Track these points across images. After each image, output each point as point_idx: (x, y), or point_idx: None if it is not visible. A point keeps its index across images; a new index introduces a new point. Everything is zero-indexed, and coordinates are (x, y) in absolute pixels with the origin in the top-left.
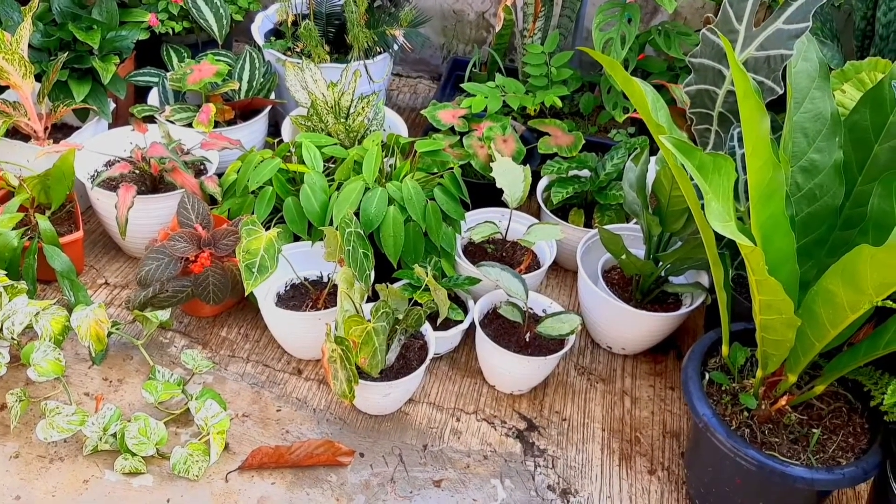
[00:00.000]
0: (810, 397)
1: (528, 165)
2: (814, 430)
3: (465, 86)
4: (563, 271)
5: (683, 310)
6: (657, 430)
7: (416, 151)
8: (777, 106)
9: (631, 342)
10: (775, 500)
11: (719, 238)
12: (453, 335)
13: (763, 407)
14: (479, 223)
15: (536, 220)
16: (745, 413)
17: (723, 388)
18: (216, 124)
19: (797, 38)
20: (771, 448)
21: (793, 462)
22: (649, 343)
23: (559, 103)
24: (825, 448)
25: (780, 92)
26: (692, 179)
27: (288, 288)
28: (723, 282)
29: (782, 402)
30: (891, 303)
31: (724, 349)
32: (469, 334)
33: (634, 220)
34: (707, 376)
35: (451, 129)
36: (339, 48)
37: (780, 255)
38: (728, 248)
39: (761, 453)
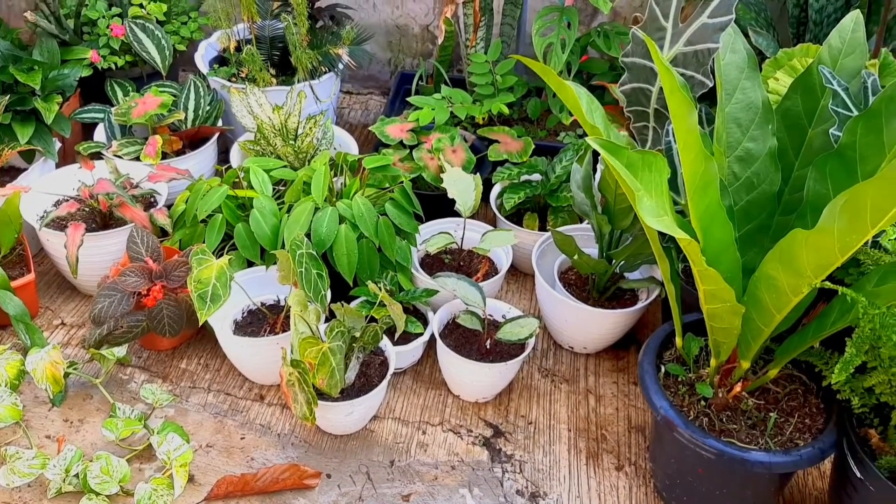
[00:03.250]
0: (765, 382)
1: (478, 174)
2: (771, 414)
3: (411, 99)
4: (522, 275)
5: (640, 305)
6: (622, 426)
7: (364, 168)
8: (711, 98)
9: (591, 341)
10: (738, 486)
11: (662, 232)
12: (414, 348)
13: (720, 395)
14: (434, 234)
15: (492, 228)
16: (703, 402)
17: (679, 380)
18: (164, 155)
19: (722, 31)
20: (730, 435)
21: (751, 447)
22: (610, 340)
23: (506, 110)
24: (783, 431)
25: (711, 85)
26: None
27: (245, 314)
28: (670, 274)
29: (737, 388)
30: (829, 283)
31: (678, 341)
32: (431, 346)
33: (586, 221)
34: (663, 369)
35: (401, 143)
36: (286, 70)
37: (719, 244)
38: (673, 242)
39: (720, 441)
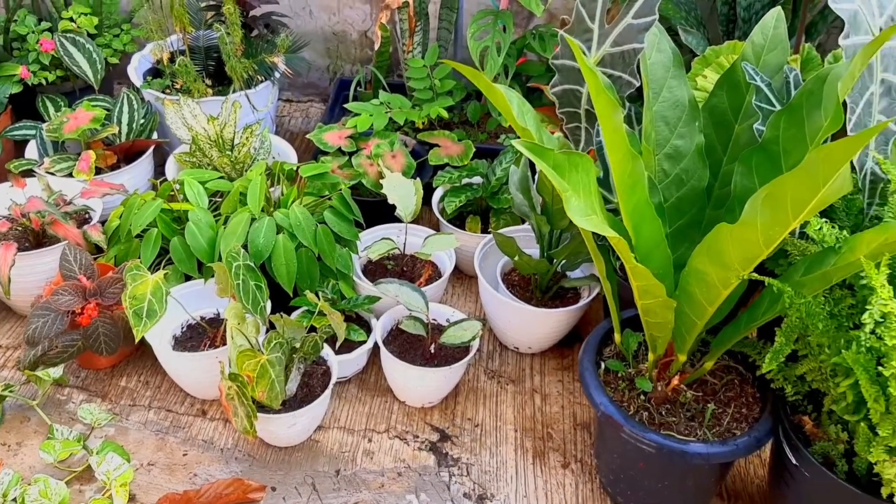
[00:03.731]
0: (703, 374)
1: (418, 178)
2: (709, 406)
3: (349, 106)
4: (467, 278)
5: (581, 303)
6: (568, 424)
7: (301, 177)
8: (641, 98)
9: (536, 340)
10: (679, 477)
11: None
12: (358, 356)
13: (659, 388)
14: (375, 241)
15: (434, 232)
16: (643, 397)
17: (619, 375)
18: (98, 171)
19: (646, 31)
20: (669, 428)
21: (690, 439)
22: (554, 339)
23: (445, 114)
24: (721, 421)
25: (638, 84)
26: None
27: (185, 329)
28: (605, 272)
29: (675, 381)
30: (756, 275)
31: (617, 337)
32: (375, 353)
33: (527, 222)
34: (603, 365)
35: (340, 150)
36: (222, 80)
37: (650, 241)
38: (608, 240)
39: (659, 435)
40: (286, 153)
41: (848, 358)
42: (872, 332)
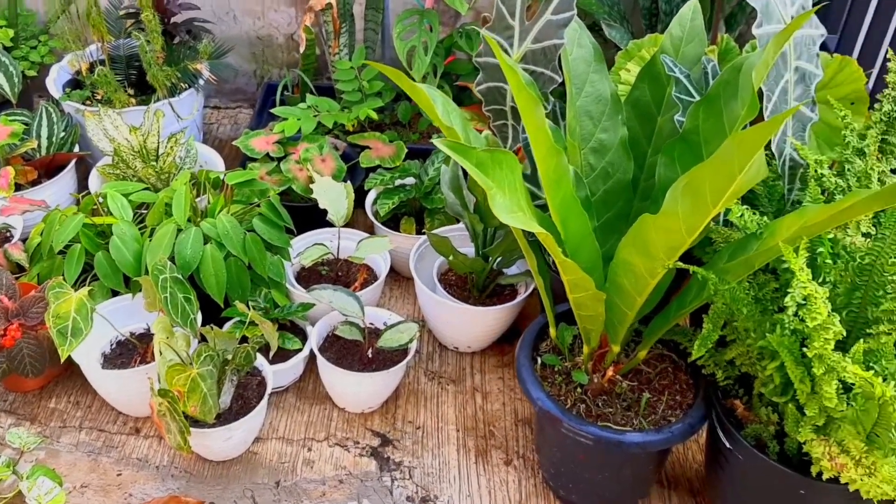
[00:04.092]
0: (637, 363)
1: (349, 182)
2: (644, 394)
3: (275, 110)
4: (404, 280)
5: (518, 299)
6: (510, 421)
7: (228, 185)
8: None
9: (475, 339)
10: (617, 467)
11: None
12: (294, 365)
13: (595, 380)
14: (308, 247)
15: (368, 235)
16: (579, 389)
17: (556, 369)
18: (19, 187)
19: (566, 26)
20: (606, 419)
21: (626, 429)
22: (493, 336)
23: (375, 116)
24: (656, 409)
25: (560, 80)
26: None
27: (114, 346)
28: (537, 268)
29: (610, 372)
30: (681, 264)
31: (552, 331)
32: (313, 361)
33: (461, 221)
34: (539, 360)
35: (268, 155)
36: (145, 90)
37: (577, 235)
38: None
39: (596, 427)
40: (213, 161)
41: (773, 341)
42: (795, 314)
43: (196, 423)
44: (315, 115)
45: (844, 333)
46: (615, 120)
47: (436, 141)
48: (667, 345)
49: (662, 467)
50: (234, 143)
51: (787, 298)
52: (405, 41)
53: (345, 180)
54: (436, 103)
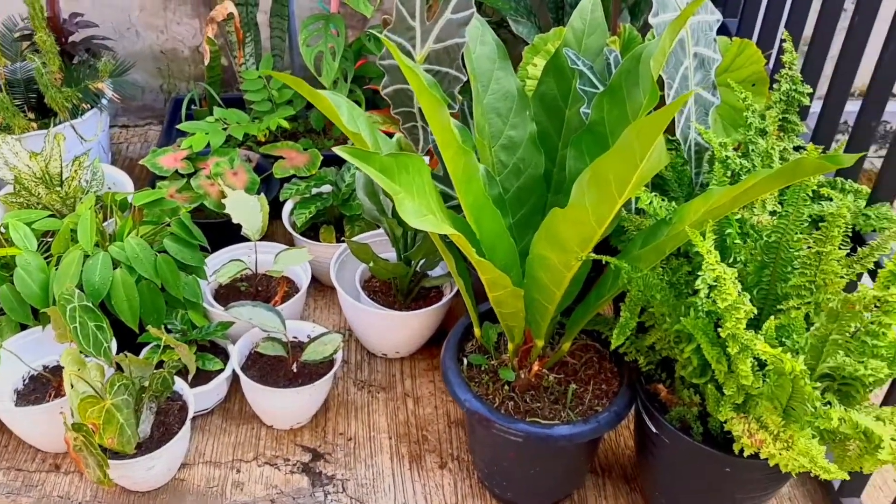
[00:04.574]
0: (562, 356)
1: (262, 194)
2: (570, 386)
3: (182, 126)
4: (328, 290)
5: (443, 300)
6: (442, 424)
7: (136, 206)
8: None
9: (403, 344)
10: (549, 461)
11: None
12: (216, 386)
13: (522, 376)
14: (224, 263)
15: (287, 247)
16: (507, 387)
17: (483, 369)
18: None
19: (466, 25)
20: (535, 414)
21: (554, 423)
22: (421, 340)
23: (286, 124)
24: (583, 400)
25: (465, 79)
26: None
27: (27, 381)
28: (457, 269)
29: (536, 367)
30: (594, 255)
31: (477, 331)
32: (237, 380)
33: (381, 226)
34: (466, 361)
35: (177, 172)
36: (47, 113)
37: (492, 233)
38: None
39: (524, 423)
40: (122, 182)
41: (687, 324)
42: (707, 296)
43: (116, 454)
44: (224, 128)
45: (756, 312)
46: (523, 116)
47: (337, 149)
48: (590, 335)
49: (595, 456)
50: (140, 161)
51: (699, 281)
52: (312, 47)
53: (259, 193)
54: (340, 109)
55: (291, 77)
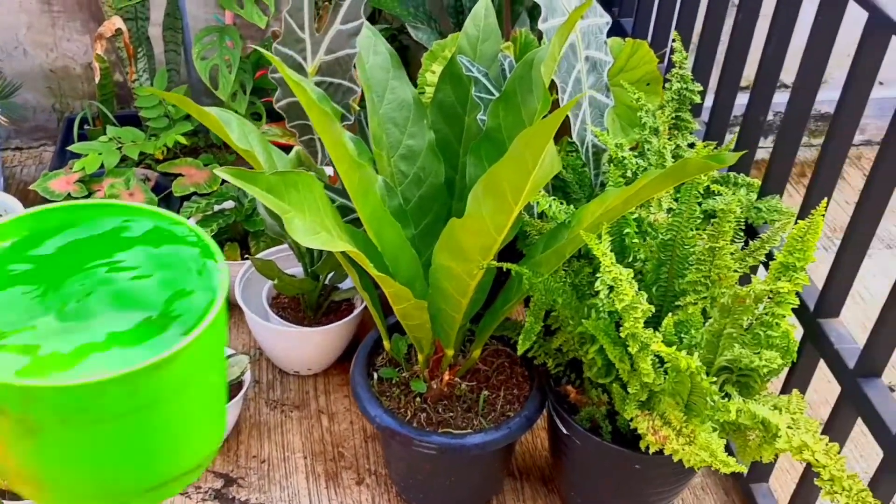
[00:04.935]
0: (473, 363)
1: None
2: (482, 393)
3: (73, 147)
4: (237, 309)
5: (353, 314)
6: (359, 439)
7: None
8: None
9: (315, 361)
10: (465, 470)
11: None
12: None
13: (434, 387)
14: None
15: None
16: (419, 399)
17: (393, 382)
18: None
19: (356, 35)
20: (447, 424)
21: (467, 432)
22: (334, 355)
23: (184, 140)
24: (495, 406)
25: (359, 90)
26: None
27: None
28: (361, 282)
29: (447, 376)
30: (494, 263)
31: (386, 343)
32: None
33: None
34: (376, 375)
35: (70, 196)
36: None
37: (393, 245)
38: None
39: (436, 434)
40: (14, 209)
41: (589, 326)
42: (608, 296)
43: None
44: (118, 148)
45: (654, 310)
46: (421, 125)
47: (218, 171)
48: (501, 340)
49: (511, 460)
50: (30, 187)
51: (598, 283)
52: (206, 60)
53: None
54: (230, 126)
55: (175, 95)
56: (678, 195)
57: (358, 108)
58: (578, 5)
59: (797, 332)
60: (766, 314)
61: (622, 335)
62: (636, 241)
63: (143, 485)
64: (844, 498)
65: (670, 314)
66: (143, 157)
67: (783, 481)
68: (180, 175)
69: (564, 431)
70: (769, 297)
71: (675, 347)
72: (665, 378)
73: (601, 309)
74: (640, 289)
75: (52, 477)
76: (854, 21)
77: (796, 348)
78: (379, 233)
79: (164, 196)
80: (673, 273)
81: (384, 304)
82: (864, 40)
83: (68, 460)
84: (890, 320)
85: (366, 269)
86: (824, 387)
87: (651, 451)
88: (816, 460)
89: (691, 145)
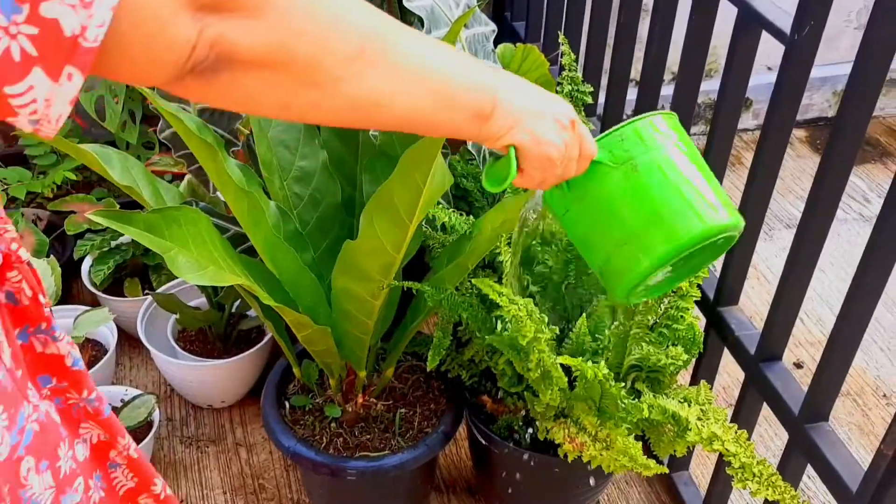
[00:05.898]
0: (387, 382)
1: (52, 257)
2: (399, 411)
3: None
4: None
5: (262, 342)
6: (279, 469)
7: None
8: None
9: (227, 393)
10: (387, 492)
11: None
12: None
13: (349, 410)
14: None
15: (88, 308)
16: (334, 423)
17: (307, 409)
18: None
19: None
20: (365, 447)
21: (384, 453)
22: (247, 384)
23: (73, 176)
24: (413, 424)
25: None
26: None
27: None
28: (262, 311)
29: (360, 399)
30: (395, 282)
31: (296, 371)
32: None
33: None
34: (288, 404)
35: None
36: None
37: (291, 272)
38: None
39: (353, 459)
40: None
41: (494, 341)
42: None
43: None
44: (4, 189)
45: (557, 332)
46: (313, 145)
47: (90, 214)
48: (415, 355)
49: (435, 475)
50: None
51: (498, 311)
52: (91, 92)
53: (48, 255)
54: (110, 163)
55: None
56: None
57: (246, 132)
58: (461, 13)
59: (701, 324)
60: (671, 308)
61: (529, 367)
62: (538, 249)
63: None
64: (755, 484)
65: (584, 315)
66: (33, 196)
67: (705, 467)
68: (72, 212)
69: (484, 442)
70: (672, 292)
71: (586, 351)
72: (572, 389)
73: (507, 321)
74: (547, 288)
75: None
76: (732, 12)
77: (702, 339)
78: (275, 260)
79: (58, 235)
80: (580, 270)
81: (290, 330)
82: (736, 33)
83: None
84: (783, 303)
85: (260, 298)
86: (738, 371)
87: (570, 459)
88: (727, 450)
89: None
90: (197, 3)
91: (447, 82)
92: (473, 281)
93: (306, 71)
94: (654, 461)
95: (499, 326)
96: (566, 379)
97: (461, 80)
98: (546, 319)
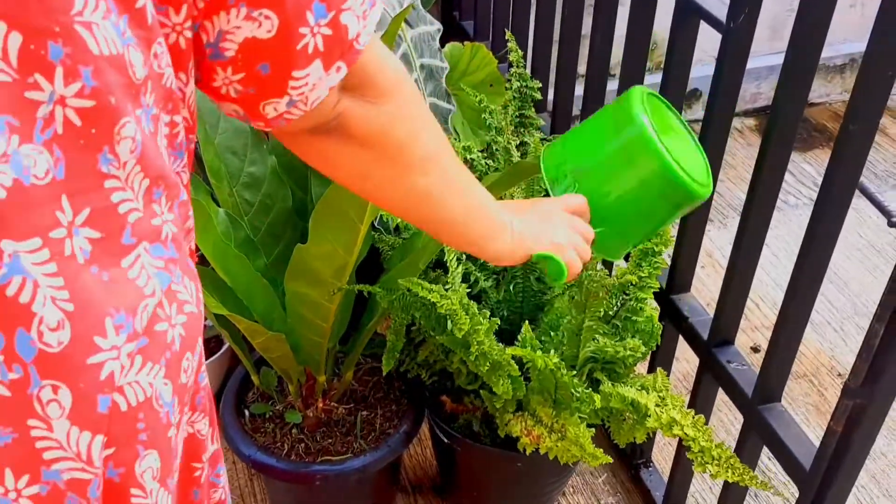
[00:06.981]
0: (347, 385)
1: None
2: (360, 414)
3: None
4: None
5: (223, 349)
6: (243, 478)
7: None
8: None
9: None
10: (352, 495)
11: None
12: None
13: (310, 415)
14: None
15: None
16: (296, 430)
17: (267, 417)
18: None
19: None
20: (327, 452)
21: (346, 457)
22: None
23: None
24: (374, 426)
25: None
26: None
27: None
28: (217, 321)
29: (321, 403)
30: (347, 286)
31: (255, 378)
32: None
33: None
34: (247, 412)
35: None
36: None
37: (243, 279)
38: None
39: (316, 464)
40: None
41: (444, 341)
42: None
43: None
44: None
45: (499, 323)
46: (261, 150)
47: None
48: (375, 357)
49: (400, 476)
50: None
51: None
52: None
53: None
54: None
55: None
56: (531, 192)
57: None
58: (411, 16)
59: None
60: (631, 299)
61: (472, 358)
62: None
63: None
64: (715, 467)
65: (542, 313)
66: None
67: (666, 454)
68: None
69: (446, 441)
70: (632, 284)
71: (543, 345)
72: (527, 383)
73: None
74: (500, 282)
75: None
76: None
77: (660, 332)
78: (226, 268)
79: None
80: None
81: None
82: (674, 24)
83: None
84: (733, 288)
85: (211, 308)
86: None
87: (528, 451)
88: (686, 434)
89: (544, 140)
90: (343, 83)
91: (477, 202)
92: (400, 281)
93: (395, 153)
94: (601, 452)
95: (449, 325)
96: (517, 367)
97: (485, 207)
98: (488, 313)
